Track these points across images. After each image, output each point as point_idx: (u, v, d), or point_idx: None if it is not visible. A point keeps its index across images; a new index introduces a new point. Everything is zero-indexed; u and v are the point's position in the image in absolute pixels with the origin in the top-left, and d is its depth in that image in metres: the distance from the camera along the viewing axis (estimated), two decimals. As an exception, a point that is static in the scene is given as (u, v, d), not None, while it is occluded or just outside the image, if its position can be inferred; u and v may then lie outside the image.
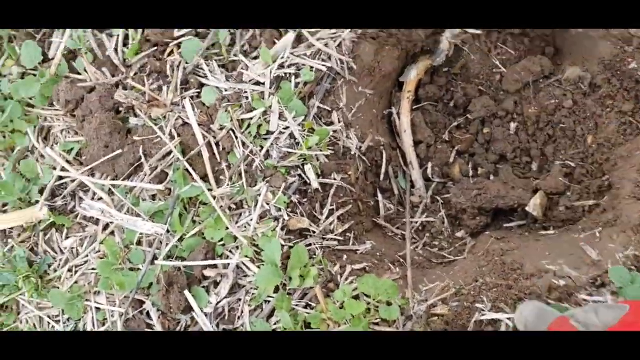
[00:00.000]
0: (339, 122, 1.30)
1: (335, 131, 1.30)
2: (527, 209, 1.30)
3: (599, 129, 1.27)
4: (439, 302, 1.13)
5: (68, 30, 1.39)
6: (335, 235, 1.26)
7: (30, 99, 1.40)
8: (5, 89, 1.41)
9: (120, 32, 1.37)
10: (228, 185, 1.26)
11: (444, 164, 1.47)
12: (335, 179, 1.28)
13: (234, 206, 1.25)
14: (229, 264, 1.21)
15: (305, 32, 1.28)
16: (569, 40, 1.32)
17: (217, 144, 1.29)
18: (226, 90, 1.29)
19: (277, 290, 1.17)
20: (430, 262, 1.31)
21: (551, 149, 1.37)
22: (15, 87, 1.39)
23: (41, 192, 1.36)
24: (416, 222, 1.40)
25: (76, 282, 1.34)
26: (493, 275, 1.14)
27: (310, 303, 1.16)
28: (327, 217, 1.26)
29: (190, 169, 1.26)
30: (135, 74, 1.36)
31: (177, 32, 1.34)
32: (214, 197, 1.24)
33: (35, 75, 1.40)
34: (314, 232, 1.24)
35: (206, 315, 1.19)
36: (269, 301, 1.17)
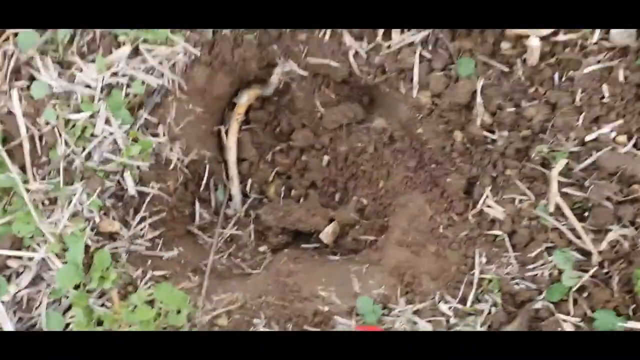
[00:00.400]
0: (164, 134, 1.40)
1: (159, 143, 1.40)
2: (321, 236, 1.50)
3: (389, 177, 1.49)
4: (223, 314, 1.29)
5: None
6: (144, 240, 1.37)
7: None
8: None
9: (-47, 8, 1.35)
10: (45, 180, 1.32)
11: (262, 182, 1.63)
12: (152, 188, 1.39)
13: (47, 202, 1.31)
14: (33, 257, 1.28)
15: (142, 47, 1.35)
16: (381, 94, 1.51)
17: (40, 138, 1.33)
18: (56, 88, 1.33)
19: (77, 287, 1.26)
20: (230, 271, 1.47)
21: (352, 184, 1.57)
22: None
23: None
24: (226, 233, 1.54)
25: None
26: (274, 294, 1.32)
27: (106, 303, 1.27)
28: (139, 223, 1.37)
29: (8, 159, 1.30)
30: (-35, 52, 1.36)
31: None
32: (29, 190, 1.29)
33: None
34: (123, 236, 1.34)
35: (2, 302, 1.26)
36: (68, 296, 1.27)
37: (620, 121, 1.18)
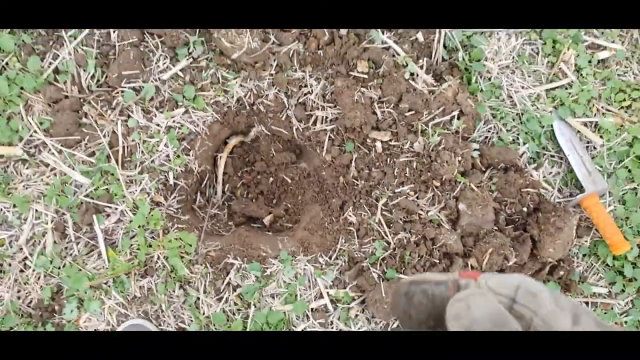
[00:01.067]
0: (192, 155, 2.65)
1: (189, 160, 2.64)
2: (264, 220, 2.79)
3: (304, 195, 2.80)
4: (212, 251, 2.55)
5: (64, 54, 2.52)
6: (173, 208, 2.60)
7: (22, 88, 2.50)
8: (11, 75, 2.48)
9: (92, 68, 2.54)
10: (128, 169, 2.53)
11: (234, 187, 2.90)
12: (181, 182, 2.63)
13: (128, 181, 2.52)
14: (118, 207, 2.48)
15: (190, 110, 2.60)
16: (306, 151, 2.82)
17: (128, 148, 2.55)
18: (141, 123, 2.56)
19: (140, 227, 2.48)
20: (213, 232, 2.72)
21: (284, 196, 2.87)
22: (20, 78, 2.47)
23: (20, 140, 2.48)
24: (212, 212, 2.80)
25: (26, 189, 2.48)
26: (237, 244, 2.58)
27: (154, 237, 2.49)
28: (173, 199, 2.60)
29: (111, 154, 2.50)
30: (95, 97, 2.55)
31: (123, 84, 2.56)
32: (120, 175, 2.50)
33: (32, 73, 2.50)
34: (164, 204, 2.57)
35: (100, 229, 2.45)
36: (135, 231, 2.48)
37: (412, 185, 2.57)
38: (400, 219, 2.54)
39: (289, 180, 2.85)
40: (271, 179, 2.88)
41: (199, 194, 2.77)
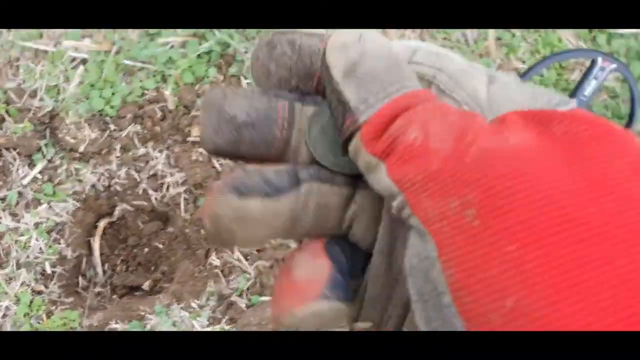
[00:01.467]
0: (64, 243, 2.97)
1: (61, 248, 2.96)
2: (142, 287, 3.10)
3: (176, 256, 3.16)
4: (95, 322, 2.83)
5: None
6: (56, 294, 2.89)
7: None
8: None
9: (-44, 192, 2.87)
10: (6, 269, 2.82)
11: (114, 264, 3.22)
12: (59, 269, 2.93)
13: (8, 279, 2.81)
14: (2, 304, 2.75)
15: (52, 204, 2.95)
16: (170, 216, 3.20)
17: (3, 250, 2.85)
18: (10, 226, 2.88)
19: (25, 315, 2.75)
20: (97, 307, 3.01)
21: (160, 261, 3.21)
22: None
23: None
24: (95, 290, 3.09)
25: None
26: (119, 313, 2.88)
27: (39, 321, 2.76)
28: (54, 285, 2.89)
29: None
30: None
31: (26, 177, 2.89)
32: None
33: None
34: (45, 292, 2.85)
35: (-12, 326, 2.71)
36: (21, 321, 2.74)
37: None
38: (254, 250, 2.92)
39: (161, 246, 3.20)
40: (146, 249, 3.23)
41: (80, 277, 3.08)
